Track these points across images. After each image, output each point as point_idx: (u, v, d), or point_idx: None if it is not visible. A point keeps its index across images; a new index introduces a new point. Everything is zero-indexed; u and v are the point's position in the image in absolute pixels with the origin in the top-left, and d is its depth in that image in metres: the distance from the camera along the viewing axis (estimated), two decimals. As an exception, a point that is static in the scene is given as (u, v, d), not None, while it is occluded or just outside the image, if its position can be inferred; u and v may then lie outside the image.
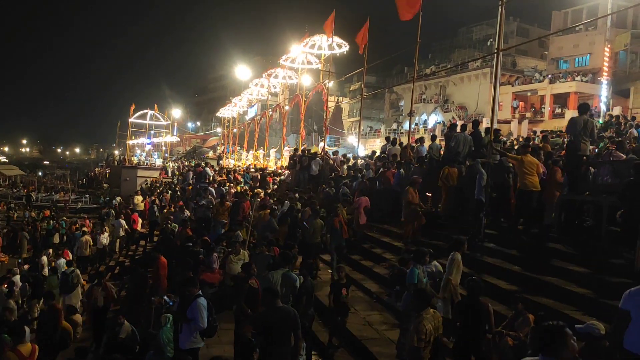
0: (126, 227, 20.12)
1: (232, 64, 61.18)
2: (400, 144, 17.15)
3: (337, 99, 59.42)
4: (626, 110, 30.55)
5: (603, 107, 31.00)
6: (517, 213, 10.19)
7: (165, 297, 7.90)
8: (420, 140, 16.83)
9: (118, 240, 20.33)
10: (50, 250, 19.49)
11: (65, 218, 28.55)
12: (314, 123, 51.77)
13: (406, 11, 14.78)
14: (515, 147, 15.59)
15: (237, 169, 29.73)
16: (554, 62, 43.33)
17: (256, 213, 14.16)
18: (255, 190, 19.08)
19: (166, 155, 54.49)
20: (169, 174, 41.04)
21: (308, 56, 26.47)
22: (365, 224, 13.02)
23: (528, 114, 39.23)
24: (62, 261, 15.59)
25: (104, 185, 48.51)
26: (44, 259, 17.22)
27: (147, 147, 57.88)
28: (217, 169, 28.44)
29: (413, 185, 11.49)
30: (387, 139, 18.91)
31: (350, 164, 18.82)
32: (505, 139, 24.66)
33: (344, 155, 19.89)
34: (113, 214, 22.51)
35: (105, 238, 19.44)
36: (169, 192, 26.90)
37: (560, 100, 37.77)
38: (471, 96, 44.12)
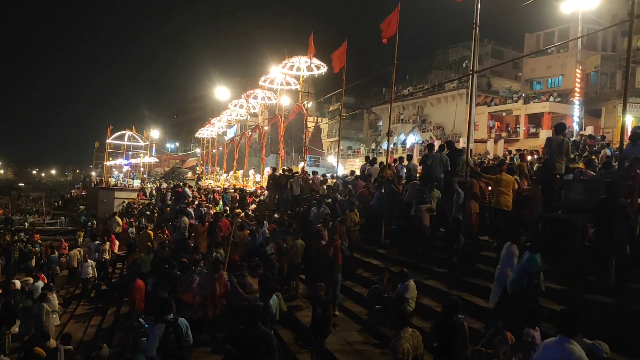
0: (108, 249, 19.39)
1: (211, 84, 61.31)
2: (381, 163, 17.22)
3: (316, 120, 59.79)
4: (598, 129, 31.30)
5: (576, 127, 31.71)
6: (498, 230, 10.30)
7: (141, 320, 7.79)
8: (400, 159, 16.96)
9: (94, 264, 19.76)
10: (25, 275, 18.98)
11: (40, 241, 27.95)
12: (294, 143, 51.91)
13: (384, 34, 15.04)
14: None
15: (217, 189, 29.63)
16: (527, 83, 44.28)
17: (235, 234, 13.98)
18: (235, 210, 18.95)
19: (144, 176, 53.97)
20: (147, 195, 40.63)
21: (287, 77, 26.68)
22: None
23: (504, 134, 39.90)
24: (40, 284, 15.21)
25: (80, 207, 47.75)
26: (17, 282, 16.74)
27: (125, 169, 57.31)
28: (196, 189, 28.17)
29: (476, 177, 11.10)
30: (367, 158, 19.00)
31: (330, 183, 18.87)
32: (481, 158, 25.13)
33: (323, 175, 19.93)
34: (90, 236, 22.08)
35: (90, 267, 17.96)
36: (148, 213, 26.60)
37: (535, 120, 38.43)
38: (448, 116, 44.63)
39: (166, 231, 17.73)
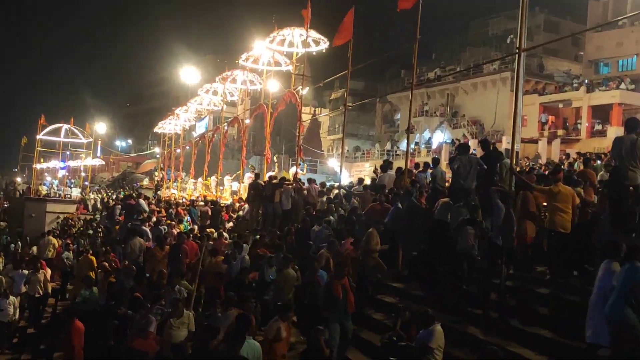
0: (43, 281, 18.94)
1: (175, 63, 61.29)
2: (398, 169, 17.04)
3: (314, 111, 59.78)
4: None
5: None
6: (551, 259, 10.33)
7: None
8: (425, 165, 17.14)
9: (18, 299, 19.28)
10: None
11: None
12: (284, 142, 51.84)
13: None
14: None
15: (181, 201, 29.51)
16: (591, 64, 44.45)
17: (206, 260, 13.98)
18: (207, 230, 18.91)
19: (86, 183, 53.86)
20: (90, 209, 40.43)
21: (276, 55, 26.56)
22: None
23: (560, 132, 39.99)
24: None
25: (0, 223, 47.59)
26: None
27: (61, 173, 57.23)
28: (154, 201, 28.12)
29: (530, 189, 11.02)
30: (386, 163, 18.89)
31: (331, 195, 18.83)
32: (530, 163, 25.08)
33: (322, 184, 19.95)
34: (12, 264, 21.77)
35: (12, 306, 16.85)
36: (91, 232, 26.47)
37: (601, 113, 38.46)
38: (487, 108, 44.79)
39: (113, 256, 17.46)
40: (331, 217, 15.60)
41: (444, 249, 12.12)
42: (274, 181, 20.15)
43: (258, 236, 16.21)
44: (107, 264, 16.06)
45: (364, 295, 12.03)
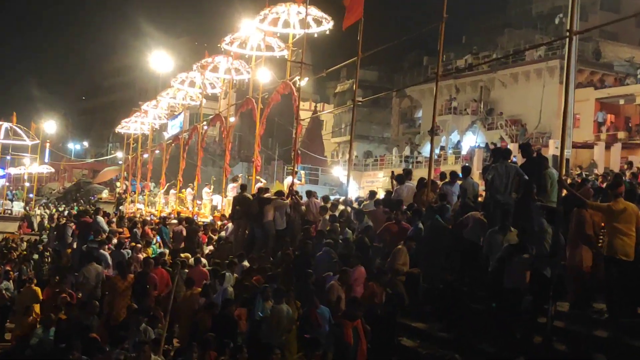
0: None
1: (142, 48, 61.35)
2: (422, 181, 16.90)
3: (315, 107, 59.64)
4: None
5: None
6: (609, 293, 10.26)
7: None
8: (452, 175, 16.55)
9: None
10: None
11: None
12: (277, 145, 51.74)
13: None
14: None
15: (149, 219, 29.30)
16: (660, 51, 44.47)
17: (180, 293, 14.09)
18: (182, 255, 18.92)
19: (31, 196, 53.76)
20: (35, 228, 40.39)
21: (267, 38, 26.37)
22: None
23: (621, 134, 39.94)
24: None
25: None
26: None
27: (0, 183, 57.19)
28: (115, 219, 28.34)
29: (584, 206, 11.00)
30: (404, 171, 19.03)
31: (337, 212, 18.42)
32: (584, 174, 24.94)
33: (325, 198, 19.80)
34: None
35: None
36: (36, 257, 26.33)
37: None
38: (530, 104, 44.72)
39: (67, 289, 16.95)
40: (330, 240, 15.26)
41: (476, 280, 12.14)
42: (265, 195, 20.04)
43: (246, 262, 16.17)
44: (66, 296, 15.91)
45: (382, 338, 11.67)
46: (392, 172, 22.37)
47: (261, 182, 26.56)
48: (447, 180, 16.49)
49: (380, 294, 12.00)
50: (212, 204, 31.86)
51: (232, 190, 27.69)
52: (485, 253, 11.80)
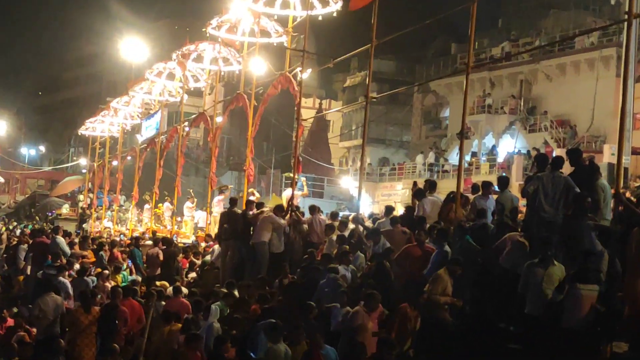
0: None
1: (111, 33, 62.03)
2: (451, 195, 16.29)
3: (320, 104, 59.68)
4: None
5: None
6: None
7: None
8: (485, 187, 16.13)
9: None
10: None
11: None
12: (274, 150, 51.65)
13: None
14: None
15: (119, 239, 29.59)
16: None
17: (156, 329, 14.26)
18: (158, 284, 18.97)
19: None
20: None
21: (262, 21, 25.61)
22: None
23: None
24: None
25: None
26: None
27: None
28: (78, 239, 28.14)
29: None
30: (428, 182, 18.69)
31: (346, 232, 17.99)
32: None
33: (333, 214, 19.77)
34: None
35: None
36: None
37: None
38: (581, 101, 44.30)
39: (23, 325, 17.39)
40: (344, 268, 14.89)
41: (515, 317, 11.59)
42: (255, 211, 19.81)
43: (236, 292, 16.08)
44: (23, 334, 16.28)
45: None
46: (414, 182, 22.08)
47: (254, 195, 26.49)
48: (479, 193, 16.21)
49: (415, 319, 12.02)
50: (194, 221, 31.90)
51: (218, 204, 28.22)
52: (520, 292, 11.28)
